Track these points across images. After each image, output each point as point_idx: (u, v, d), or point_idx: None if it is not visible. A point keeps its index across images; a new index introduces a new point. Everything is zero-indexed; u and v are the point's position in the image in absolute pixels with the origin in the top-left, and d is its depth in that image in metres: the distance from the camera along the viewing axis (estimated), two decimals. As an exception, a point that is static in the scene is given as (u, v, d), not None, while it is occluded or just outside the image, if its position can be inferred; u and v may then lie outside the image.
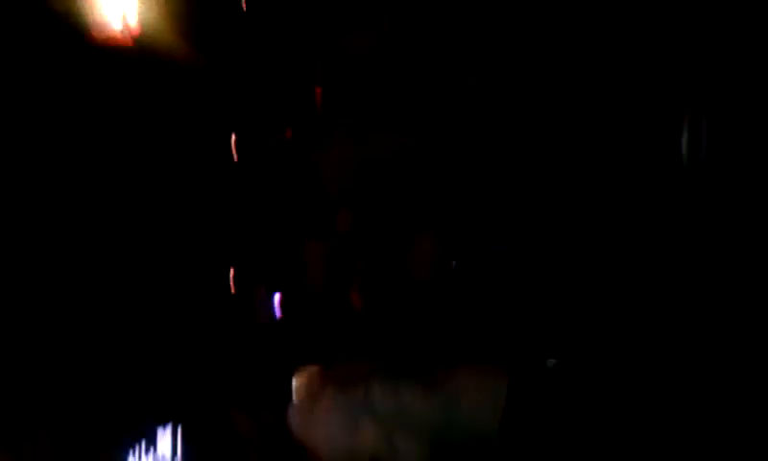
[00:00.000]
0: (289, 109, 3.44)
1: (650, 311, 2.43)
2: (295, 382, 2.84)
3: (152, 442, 3.32)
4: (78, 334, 3.31)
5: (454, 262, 2.86)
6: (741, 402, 2.23)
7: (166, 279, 3.39)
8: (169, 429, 3.31)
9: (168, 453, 3.31)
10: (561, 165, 2.70)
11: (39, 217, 3.33)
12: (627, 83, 2.61)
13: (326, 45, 3.20)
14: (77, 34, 3.26)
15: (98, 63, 3.29)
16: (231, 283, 3.31)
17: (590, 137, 2.65)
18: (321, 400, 2.68)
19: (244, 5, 3.26)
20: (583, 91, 2.67)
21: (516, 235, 2.79)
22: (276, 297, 3.20)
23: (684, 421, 2.26)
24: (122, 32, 3.26)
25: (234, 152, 3.35)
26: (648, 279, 2.48)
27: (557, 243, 2.69)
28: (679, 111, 2.39)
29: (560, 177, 2.70)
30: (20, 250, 3.30)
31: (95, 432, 3.24)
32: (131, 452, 3.31)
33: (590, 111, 2.65)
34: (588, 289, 2.58)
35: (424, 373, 2.64)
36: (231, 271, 3.32)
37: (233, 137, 3.39)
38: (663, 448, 2.25)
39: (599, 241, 2.60)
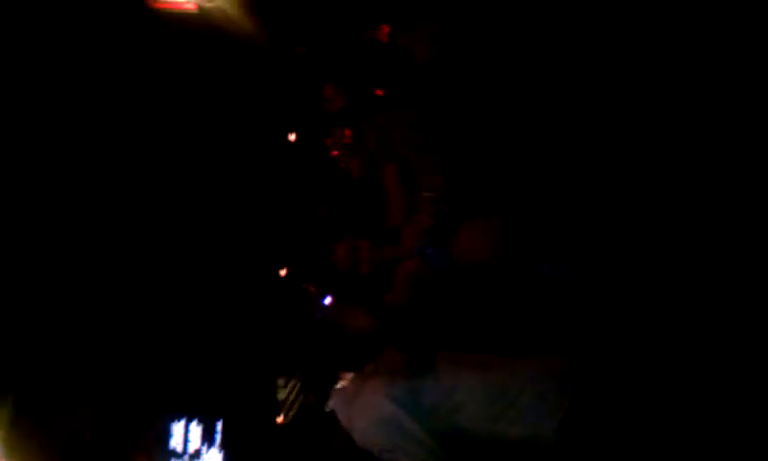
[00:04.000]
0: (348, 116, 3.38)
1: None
2: (344, 373, 2.75)
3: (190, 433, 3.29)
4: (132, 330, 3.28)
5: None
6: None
7: (221, 275, 3.33)
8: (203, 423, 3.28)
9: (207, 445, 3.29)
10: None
11: (83, 195, 3.29)
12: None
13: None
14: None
15: (159, 30, 3.23)
16: (283, 281, 3.23)
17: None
18: (366, 390, 2.59)
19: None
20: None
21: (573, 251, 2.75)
22: (327, 298, 3.11)
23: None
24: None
25: (294, 150, 3.30)
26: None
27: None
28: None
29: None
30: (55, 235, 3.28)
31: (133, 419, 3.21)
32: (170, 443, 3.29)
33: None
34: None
35: (477, 365, 2.55)
36: (284, 270, 3.25)
37: (293, 137, 3.33)
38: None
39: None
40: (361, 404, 2.55)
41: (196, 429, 3.31)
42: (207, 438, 3.31)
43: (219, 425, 3.30)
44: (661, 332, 2.44)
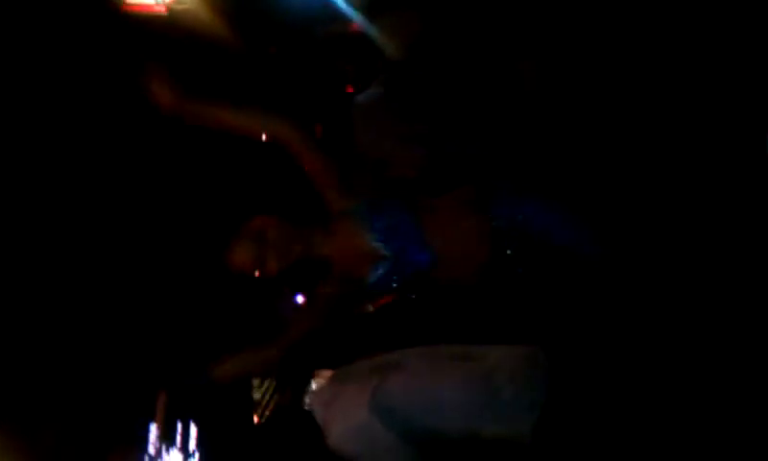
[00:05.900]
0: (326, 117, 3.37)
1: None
2: (319, 370, 2.76)
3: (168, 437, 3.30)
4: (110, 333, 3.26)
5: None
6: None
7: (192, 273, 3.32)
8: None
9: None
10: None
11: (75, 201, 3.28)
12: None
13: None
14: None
15: (128, 32, 3.22)
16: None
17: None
18: (343, 395, 2.59)
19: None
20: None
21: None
22: (299, 298, 3.11)
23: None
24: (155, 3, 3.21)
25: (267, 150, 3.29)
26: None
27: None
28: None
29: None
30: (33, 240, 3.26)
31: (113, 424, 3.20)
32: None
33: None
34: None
35: (455, 358, 2.54)
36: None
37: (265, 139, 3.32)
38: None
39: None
40: (337, 410, 2.57)
41: (154, 431, 3.31)
42: (167, 439, 3.30)
43: (179, 426, 3.31)
44: (646, 328, 2.44)
